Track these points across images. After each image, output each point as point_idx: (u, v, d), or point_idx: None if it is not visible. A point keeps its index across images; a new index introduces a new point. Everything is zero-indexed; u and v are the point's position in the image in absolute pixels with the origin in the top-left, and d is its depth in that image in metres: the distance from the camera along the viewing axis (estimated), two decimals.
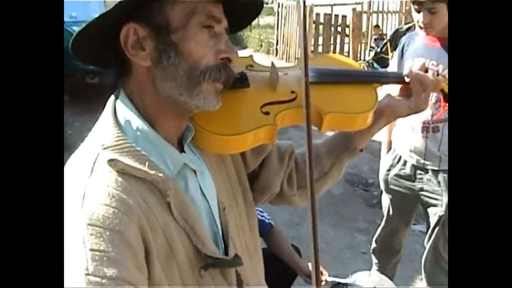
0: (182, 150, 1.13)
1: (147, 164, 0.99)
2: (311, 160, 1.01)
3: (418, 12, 2.62)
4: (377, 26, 11.86)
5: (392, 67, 3.05)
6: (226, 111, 1.14)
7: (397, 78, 1.41)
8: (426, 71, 1.40)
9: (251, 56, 1.36)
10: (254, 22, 17.63)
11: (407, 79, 1.37)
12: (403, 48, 2.92)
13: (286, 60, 13.27)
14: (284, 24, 13.37)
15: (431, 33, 2.68)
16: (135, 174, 0.98)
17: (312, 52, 12.28)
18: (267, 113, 1.18)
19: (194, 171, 1.13)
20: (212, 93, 1.07)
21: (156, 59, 1.03)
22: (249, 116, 1.17)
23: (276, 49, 13.85)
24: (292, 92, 1.24)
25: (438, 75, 2.60)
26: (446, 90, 1.42)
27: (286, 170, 1.41)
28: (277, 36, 13.82)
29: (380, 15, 12.39)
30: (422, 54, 2.76)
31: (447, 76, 1.36)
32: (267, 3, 21.83)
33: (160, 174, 1.00)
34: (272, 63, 1.29)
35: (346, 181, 5.51)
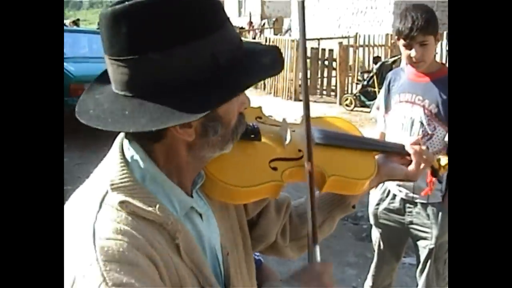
0: (190, 195, 1.14)
1: (157, 206, 1.00)
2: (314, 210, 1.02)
3: (410, 48, 2.67)
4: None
5: (379, 103, 3.09)
6: (236, 162, 1.18)
7: (398, 149, 1.46)
8: (419, 143, 1.46)
9: (260, 107, 1.39)
10: None
11: (410, 151, 1.43)
12: (389, 84, 2.98)
13: (274, 95, 13.36)
14: None
15: (422, 68, 2.73)
16: (145, 216, 0.98)
17: (300, 86, 12.38)
18: (275, 169, 1.21)
19: (200, 215, 1.14)
20: None
21: (201, 134, 1.03)
22: (258, 170, 1.20)
23: (264, 83, 13.94)
24: (299, 150, 1.27)
25: (424, 108, 2.67)
26: (436, 165, 1.54)
27: (282, 221, 1.43)
28: None
29: (366, 48, 12.56)
30: (408, 89, 2.81)
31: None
32: (254, 38, 22.06)
33: (170, 217, 1.01)
34: (284, 119, 1.33)
35: None
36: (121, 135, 1.09)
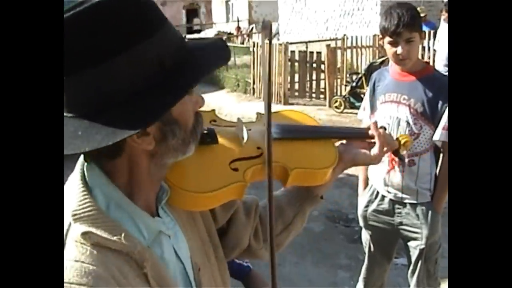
0: (156, 212, 1.10)
1: (123, 235, 0.95)
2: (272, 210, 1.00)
3: (396, 45, 2.67)
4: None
5: (365, 103, 3.08)
6: (196, 168, 1.15)
7: (358, 134, 1.47)
8: (384, 128, 1.46)
9: (213, 111, 1.37)
10: (230, 62, 17.50)
11: (374, 133, 1.41)
12: (374, 84, 2.98)
13: (263, 99, 13.33)
14: (260, 63, 13.46)
15: (407, 65, 2.74)
16: (110, 246, 0.94)
17: (289, 90, 12.40)
18: (235, 170, 1.19)
19: (169, 235, 1.10)
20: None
21: (161, 139, 0.99)
22: (219, 173, 1.17)
23: (253, 88, 13.93)
24: (258, 148, 1.25)
25: (409, 107, 2.66)
26: (395, 145, 1.53)
27: (253, 224, 1.40)
28: (253, 75, 13.89)
29: (354, 50, 12.58)
30: (393, 89, 2.81)
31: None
32: (242, 43, 22.08)
33: (137, 245, 0.97)
34: (239, 119, 1.31)
35: (326, 217, 5.45)
36: (81, 159, 1.03)
